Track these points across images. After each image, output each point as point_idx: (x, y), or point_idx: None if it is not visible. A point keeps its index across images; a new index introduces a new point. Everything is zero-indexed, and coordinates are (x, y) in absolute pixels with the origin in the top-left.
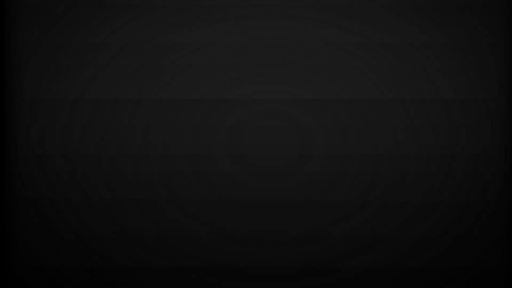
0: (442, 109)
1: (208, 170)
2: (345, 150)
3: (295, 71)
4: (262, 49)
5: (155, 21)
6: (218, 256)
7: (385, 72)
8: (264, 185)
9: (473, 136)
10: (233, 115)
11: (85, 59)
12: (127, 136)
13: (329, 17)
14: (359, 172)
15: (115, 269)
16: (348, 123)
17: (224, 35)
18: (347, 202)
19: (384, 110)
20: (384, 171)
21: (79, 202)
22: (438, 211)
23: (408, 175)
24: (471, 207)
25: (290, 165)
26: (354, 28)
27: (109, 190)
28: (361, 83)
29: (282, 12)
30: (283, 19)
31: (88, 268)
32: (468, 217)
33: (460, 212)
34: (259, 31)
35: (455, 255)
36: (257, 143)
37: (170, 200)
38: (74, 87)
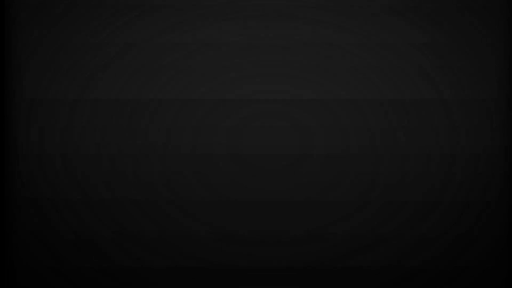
0: (442, 109)
1: (208, 170)
2: (345, 150)
3: (295, 71)
4: (262, 49)
5: (155, 21)
6: (218, 256)
7: (385, 72)
8: (264, 185)
9: (473, 136)
10: (233, 115)
11: (85, 59)
12: (127, 136)
13: (329, 17)
14: (359, 172)
15: (115, 269)
16: (348, 123)
17: (224, 35)
18: (347, 202)
19: (384, 110)
20: (384, 171)
21: (79, 202)
22: (438, 211)
23: (408, 175)
24: (471, 207)
25: (290, 165)
26: (354, 28)
27: (109, 190)
28: (361, 83)
29: (282, 12)
30: (283, 19)
31: (88, 268)
32: (468, 217)
33: (460, 212)
34: (259, 31)
35: (455, 255)
36: (257, 143)
37: (170, 200)
38: (74, 87)
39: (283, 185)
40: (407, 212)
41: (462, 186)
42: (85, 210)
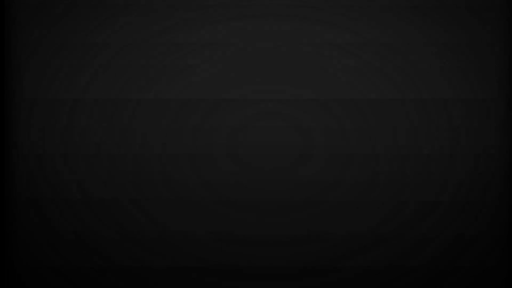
0: (442, 109)
1: (208, 170)
2: (345, 150)
3: (295, 71)
4: (262, 49)
5: (155, 21)
6: (218, 256)
7: (385, 72)
8: (264, 185)
9: (473, 136)
10: (233, 115)
11: (85, 59)
12: (127, 136)
13: (329, 17)
14: (359, 172)
15: (115, 269)
16: (348, 123)
17: (224, 35)
18: (347, 202)
19: (384, 110)
20: (384, 171)
21: (79, 202)
22: (438, 211)
23: (408, 175)
24: (471, 207)
25: (290, 165)
26: (354, 28)
27: (109, 190)
28: (361, 83)
29: (282, 12)
30: (283, 19)
31: (88, 268)
32: (468, 217)
33: (460, 212)
34: (259, 31)
35: (455, 255)
36: (257, 143)
37: (170, 200)
38: (74, 87)
39: (283, 185)
40: (407, 212)
41: (462, 186)
42: (85, 210)
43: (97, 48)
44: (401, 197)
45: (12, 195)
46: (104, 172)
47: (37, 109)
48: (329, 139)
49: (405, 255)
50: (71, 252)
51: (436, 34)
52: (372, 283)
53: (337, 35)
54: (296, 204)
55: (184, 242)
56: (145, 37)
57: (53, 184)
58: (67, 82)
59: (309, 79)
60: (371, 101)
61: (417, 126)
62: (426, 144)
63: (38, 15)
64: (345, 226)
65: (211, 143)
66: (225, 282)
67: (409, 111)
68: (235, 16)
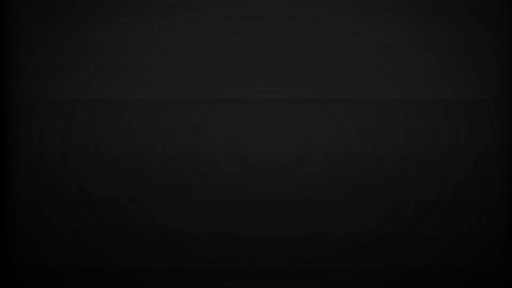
0: (442, 109)
1: (208, 170)
2: (345, 150)
3: (295, 71)
4: (262, 49)
5: (155, 21)
6: (218, 256)
7: (385, 72)
8: (264, 185)
9: (473, 136)
10: (233, 115)
11: (85, 59)
12: (127, 136)
13: (329, 17)
14: (359, 172)
15: (115, 269)
16: (348, 123)
17: (224, 35)
18: (347, 202)
19: (384, 110)
20: (384, 171)
21: (79, 202)
22: (438, 211)
23: (408, 175)
24: (471, 207)
25: (290, 165)
26: (354, 28)
27: (109, 190)
28: (361, 83)
29: (282, 12)
30: (283, 19)
31: (88, 268)
32: (468, 217)
33: (460, 212)
34: (259, 31)
35: (455, 255)
36: (257, 143)
37: (170, 200)
38: (74, 87)
39: (283, 185)
40: (407, 212)
41: (462, 186)
42: (85, 210)
43: (97, 48)
44: (401, 197)
45: (12, 195)
46: (104, 172)
47: (37, 109)
48: (329, 139)
49: (405, 255)
50: (71, 252)
51: (436, 34)
52: (372, 283)
53: (337, 35)
54: (296, 204)
55: (184, 242)
56: (145, 37)
57: (53, 184)
58: (67, 82)
59: (309, 79)
60: (371, 101)
61: (417, 126)
62: (426, 144)
63: (38, 15)
64: (345, 226)
65: (211, 143)
66: (225, 282)
67: (409, 111)
68: (235, 16)
